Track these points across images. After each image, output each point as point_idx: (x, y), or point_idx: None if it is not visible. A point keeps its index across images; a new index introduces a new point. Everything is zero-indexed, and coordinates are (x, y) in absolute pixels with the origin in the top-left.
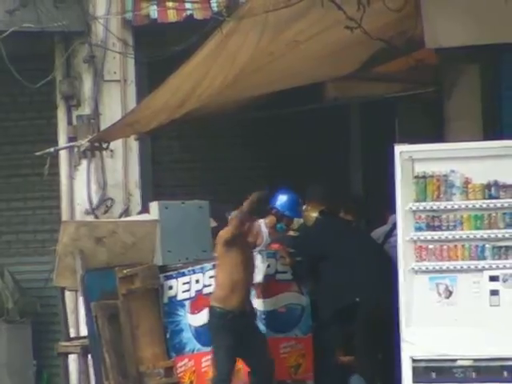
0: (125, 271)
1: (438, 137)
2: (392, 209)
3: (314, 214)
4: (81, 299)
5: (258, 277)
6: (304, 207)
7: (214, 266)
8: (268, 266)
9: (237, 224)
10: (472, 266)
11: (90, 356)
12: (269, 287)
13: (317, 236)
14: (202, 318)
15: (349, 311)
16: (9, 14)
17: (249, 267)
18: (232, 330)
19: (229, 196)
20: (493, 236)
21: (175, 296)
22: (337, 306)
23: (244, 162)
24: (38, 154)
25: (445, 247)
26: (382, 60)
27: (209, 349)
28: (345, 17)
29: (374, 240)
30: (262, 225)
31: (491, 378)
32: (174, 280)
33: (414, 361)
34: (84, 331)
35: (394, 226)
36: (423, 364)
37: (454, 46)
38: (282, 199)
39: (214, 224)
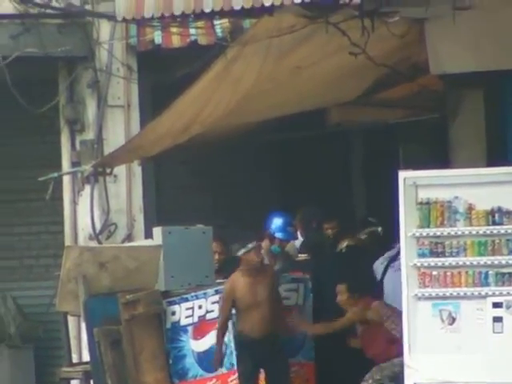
0: (128, 297)
1: (442, 162)
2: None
3: None
4: (83, 324)
5: None
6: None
7: (216, 292)
8: None
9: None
10: (475, 293)
11: (92, 382)
12: None
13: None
14: (204, 343)
15: None
16: (12, 39)
17: (261, 295)
18: (250, 355)
19: (231, 221)
20: (496, 262)
21: (178, 321)
22: None
23: (246, 186)
24: (41, 179)
25: (448, 273)
26: (386, 86)
27: (211, 374)
28: (349, 42)
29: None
30: None
31: None
32: (177, 305)
33: None
34: (86, 356)
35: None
36: None
37: (459, 72)
38: (275, 222)
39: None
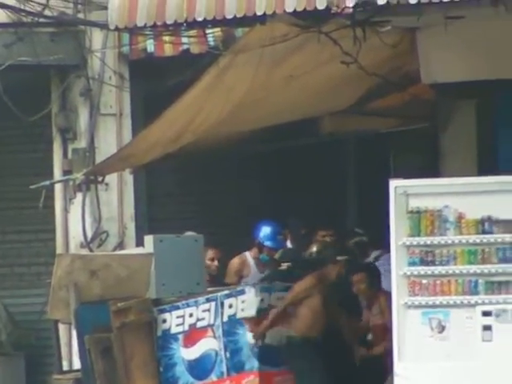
0: (118, 304)
1: (433, 171)
2: (377, 244)
3: None
4: (74, 332)
5: (251, 311)
6: None
7: (207, 300)
8: (261, 300)
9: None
10: (465, 301)
11: None
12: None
13: None
14: (195, 351)
15: None
16: (6, 48)
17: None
18: (311, 355)
19: (223, 230)
20: (486, 271)
21: (169, 329)
22: None
23: (238, 195)
24: (33, 187)
25: (438, 282)
26: (378, 95)
27: (201, 382)
28: (341, 52)
29: None
30: (248, 256)
31: None
32: (168, 313)
33: None
34: (77, 364)
35: (376, 260)
36: None
37: (450, 82)
38: (264, 230)
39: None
